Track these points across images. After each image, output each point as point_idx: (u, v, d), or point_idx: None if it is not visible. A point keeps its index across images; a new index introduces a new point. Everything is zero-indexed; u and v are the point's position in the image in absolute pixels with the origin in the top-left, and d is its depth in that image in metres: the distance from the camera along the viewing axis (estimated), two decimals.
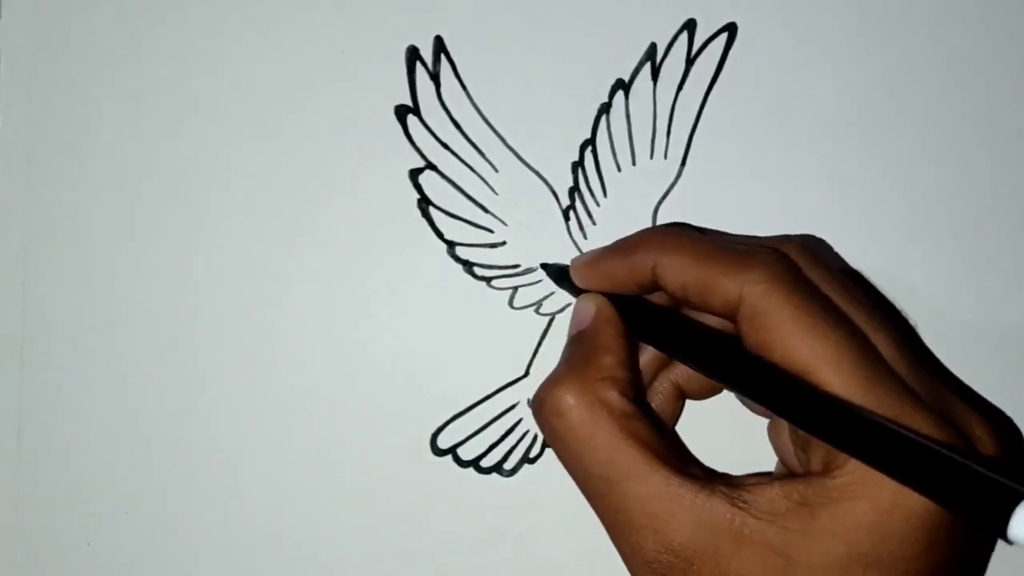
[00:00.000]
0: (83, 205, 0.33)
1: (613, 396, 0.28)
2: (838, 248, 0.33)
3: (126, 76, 0.33)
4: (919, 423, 0.25)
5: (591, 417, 0.27)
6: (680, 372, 0.31)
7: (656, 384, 0.32)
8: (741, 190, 0.33)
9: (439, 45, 0.33)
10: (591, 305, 0.30)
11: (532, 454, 0.34)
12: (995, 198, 0.34)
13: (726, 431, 0.31)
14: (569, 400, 0.28)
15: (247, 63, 0.33)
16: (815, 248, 0.29)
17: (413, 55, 0.33)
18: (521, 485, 0.34)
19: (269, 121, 0.33)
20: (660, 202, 0.33)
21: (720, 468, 0.30)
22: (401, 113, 0.33)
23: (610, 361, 0.28)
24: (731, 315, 0.27)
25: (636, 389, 0.29)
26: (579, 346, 0.30)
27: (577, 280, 0.31)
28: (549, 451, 0.33)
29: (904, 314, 0.33)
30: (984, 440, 0.26)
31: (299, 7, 0.33)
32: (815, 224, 0.33)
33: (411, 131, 0.33)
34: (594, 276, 0.31)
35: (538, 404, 0.29)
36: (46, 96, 0.33)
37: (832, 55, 0.33)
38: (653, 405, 0.31)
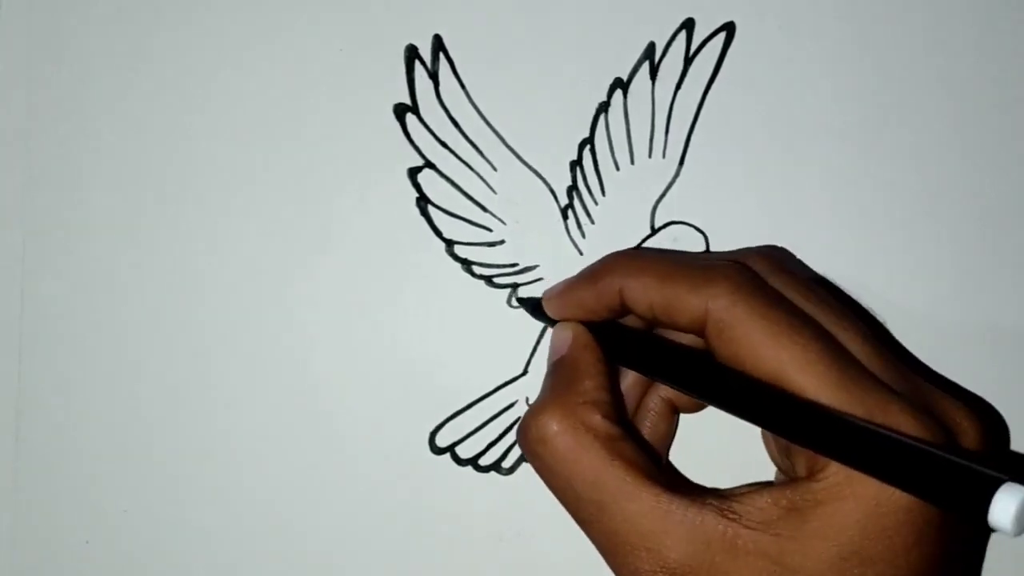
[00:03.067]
0: (82, 205, 0.33)
1: (596, 419, 0.28)
2: (835, 247, 0.33)
3: (124, 75, 0.33)
4: (896, 417, 0.25)
5: (576, 441, 0.27)
6: (668, 388, 0.31)
7: (647, 402, 0.32)
8: (739, 189, 0.33)
9: (438, 44, 0.33)
10: (568, 332, 0.30)
11: None
12: (996, 198, 0.34)
13: (724, 441, 0.31)
14: (553, 427, 0.28)
15: (245, 61, 0.33)
16: (779, 257, 0.30)
17: (412, 54, 0.33)
18: (520, 483, 0.34)
19: (267, 120, 0.33)
20: (658, 201, 0.33)
21: (720, 478, 0.30)
22: (400, 112, 0.33)
23: (591, 385, 0.29)
24: (699, 331, 0.27)
25: (619, 411, 0.29)
26: (559, 373, 0.30)
27: (550, 312, 0.31)
28: None
29: (873, 313, 0.33)
30: (966, 429, 0.26)
31: (298, 5, 0.33)
32: (812, 222, 0.33)
33: (410, 130, 0.33)
34: (566, 306, 0.31)
35: (522, 434, 0.29)
36: (45, 95, 0.33)
37: (830, 54, 0.33)
38: (647, 423, 0.32)
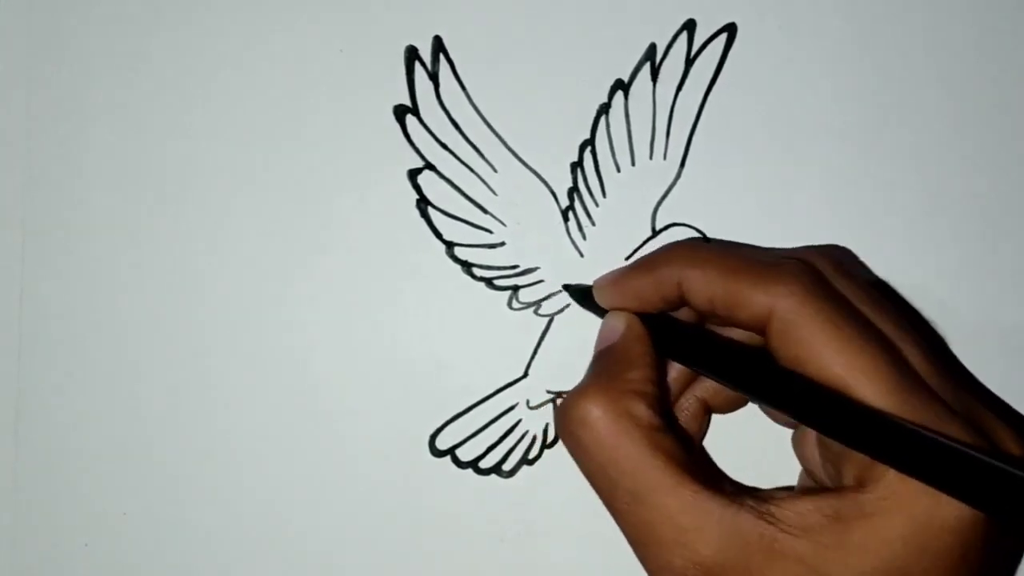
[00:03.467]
0: (82, 205, 0.33)
1: (641, 409, 0.27)
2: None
3: (124, 75, 0.33)
4: (951, 432, 0.25)
5: (618, 428, 0.27)
6: (705, 388, 0.31)
7: (682, 401, 0.32)
8: (740, 191, 0.33)
9: (438, 45, 0.33)
10: (620, 322, 0.30)
11: (531, 455, 0.34)
12: (995, 198, 0.34)
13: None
14: (595, 411, 0.27)
15: (245, 62, 0.33)
16: (841, 259, 0.29)
17: (412, 55, 0.33)
18: (520, 486, 0.34)
19: (267, 120, 0.33)
20: (659, 203, 0.33)
21: (743, 478, 0.30)
22: (400, 113, 0.33)
23: (638, 376, 0.28)
24: (760, 328, 0.27)
25: (664, 405, 0.28)
26: (607, 360, 0.29)
27: (602, 300, 0.31)
28: (548, 452, 0.33)
29: (932, 325, 0.33)
30: (1013, 450, 0.26)
31: (298, 6, 0.33)
32: (813, 224, 0.33)
33: (410, 131, 0.33)
34: (619, 295, 0.30)
35: (562, 415, 0.28)
36: (44, 95, 0.33)
37: (831, 56, 0.33)
38: (680, 421, 0.31)
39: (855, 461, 0.25)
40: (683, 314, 0.31)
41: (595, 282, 0.32)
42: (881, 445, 0.24)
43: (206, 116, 0.33)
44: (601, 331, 0.31)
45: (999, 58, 0.34)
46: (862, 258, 0.33)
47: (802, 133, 0.33)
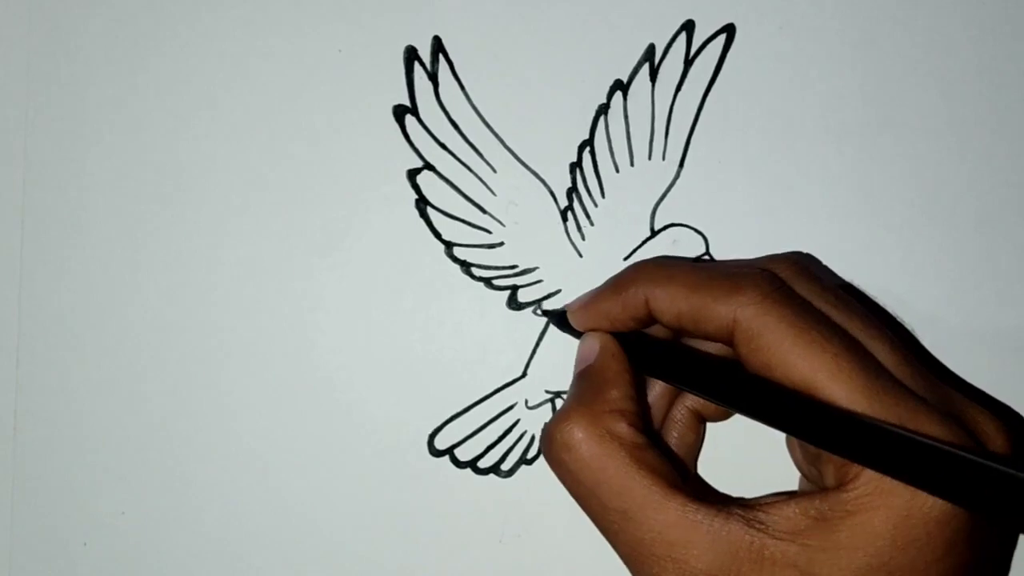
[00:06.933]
0: (81, 206, 0.33)
1: (622, 428, 0.27)
2: (836, 250, 0.33)
3: (124, 76, 0.33)
4: (926, 425, 0.25)
5: (602, 449, 0.27)
6: (694, 398, 0.31)
7: (673, 413, 0.32)
8: (739, 191, 0.33)
9: (437, 45, 0.33)
10: (595, 342, 0.30)
11: (530, 455, 0.34)
12: (994, 199, 0.34)
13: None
14: (578, 434, 0.27)
15: (244, 62, 0.33)
16: (805, 264, 0.30)
17: (411, 55, 0.33)
18: (519, 486, 0.34)
19: (266, 121, 0.33)
20: (658, 203, 0.33)
21: (744, 485, 0.30)
22: (399, 113, 0.33)
23: (617, 394, 0.28)
24: (728, 339, 0.27)
25: (645, 421, 0.29)
26: (585, 382, 0.30)
27: (576, 324, 0.31)
28: None
29: (900, 320, 0.33)
30: (994, 436, 0.26)
31: (297, 6, 0.33)
32: (812, 225, 0.33)
33: (409, 131, 0.33)
34: (591, 317, 0.31)
35: (547, 440, 0.28)
36: (45, 96, 0.33)
37: (830, 57, 0.33)
38: (674, 435, 0.32)
39: (833, 461, 0.26)
40: (659, 330, 0.31)
41: (567, 306, 0.32)
42: (848, 444, 0.24)
43: (205, 116, 0.33)
44: (578, 353, 0.31)
45: (999, 59, 0.34)
46: (860, 258, 0.33)
47: (800, 133, 0.33)
